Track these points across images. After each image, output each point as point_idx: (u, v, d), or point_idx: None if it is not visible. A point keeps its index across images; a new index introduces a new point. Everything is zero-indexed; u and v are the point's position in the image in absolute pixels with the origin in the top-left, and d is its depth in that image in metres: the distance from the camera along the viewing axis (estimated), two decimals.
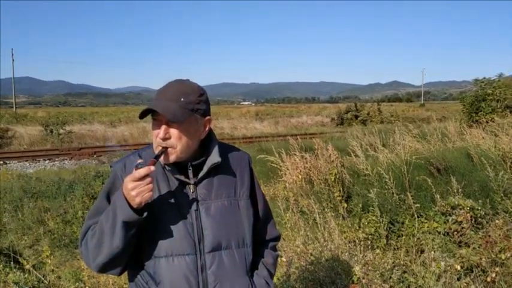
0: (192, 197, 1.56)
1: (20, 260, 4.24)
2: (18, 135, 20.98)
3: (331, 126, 28.34)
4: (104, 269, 1.51)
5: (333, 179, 5.37)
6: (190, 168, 1.56)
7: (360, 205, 5.15)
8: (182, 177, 1.56)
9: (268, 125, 30.50)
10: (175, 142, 1.50)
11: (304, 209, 4.59)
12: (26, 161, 14.32)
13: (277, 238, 1.84)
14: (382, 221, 4.82)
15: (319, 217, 4.17)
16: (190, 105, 1.51)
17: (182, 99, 1.49)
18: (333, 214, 5.27)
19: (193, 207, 1.55)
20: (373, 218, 4.90)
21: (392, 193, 5.28)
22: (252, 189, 1.72)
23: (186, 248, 1.52)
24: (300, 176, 5.98)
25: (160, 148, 1.50)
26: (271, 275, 1.75)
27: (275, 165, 6.32)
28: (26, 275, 3.69)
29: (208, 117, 1.60)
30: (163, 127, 1.49)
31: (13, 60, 48.78)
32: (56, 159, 15.15)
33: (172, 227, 1.52)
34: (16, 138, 20.62)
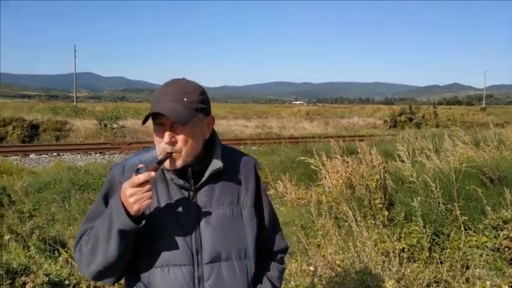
0: (192, 204, 1.46)
1: (60, 250, 4.35)
2: (75, 129, 21.95)
3: (383, 129, 27.54)
4: (98, 277, 1.44)
5: (374, 185, 5.13)
6: (191, 173, 1.47)
7: (403, 214, 4.88)
8: (182, 183, 1.47)
9: (317, 126, 30.14)
10: (182, 146, 1.41)
11: (341, 215, 4.39)
12: (78, 153, 14.90)
13: (284, 250, 1.70)
14: (426, 231, 4.54)
15: (356, 225, 3.97)
16: (193, 104, 1.41)
17: (185, 99, 1.40)
18: (373, 222, 5.04)
19: (192, 215, 1.45)
20: (416, 228, 4.63)
21: (439, 203, 4.97)
22: (257, 197, 1.59)
23: (183, 258, 1.42)
24: (341, 181, 5.76)
25: (164, 153, 1.41)
26: None
27: (315, 168, 6.14)
28: (58, 267, 3.75)
29: (211, 116, 1.51)
30: (169, 131, 1.40)
31: (75, 56, 51.25)
32: (107, 152, 15.69)
33: (168, 235, 1.43)
34: (73, 131, 21.60)
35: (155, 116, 1.39)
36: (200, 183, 1.48)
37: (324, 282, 3.08)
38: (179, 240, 1.43)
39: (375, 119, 35.67)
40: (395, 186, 5.50)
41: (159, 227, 1.43)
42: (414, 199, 4.60)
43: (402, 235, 4.65)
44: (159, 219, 1.44)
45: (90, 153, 15.21)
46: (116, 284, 3.36)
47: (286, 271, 3.29)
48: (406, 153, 5.85)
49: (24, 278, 3.36)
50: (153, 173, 1.31)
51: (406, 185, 5.52)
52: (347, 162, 5.95)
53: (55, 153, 14.60)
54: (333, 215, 3.87)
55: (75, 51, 51.36)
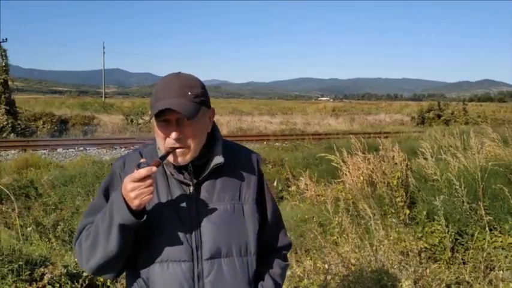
0: (192, 199, 1.45)
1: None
2: (103, 124, 22.39)
3: (410, 126, 27.00)
4: (98, 272, 1.43)
5: (395, 183, 5.01)
6: (191, 168, 1.45)
7: (424, 212, 4.75)
8: (182, 178, 1.45)
9: (343, 122, 29.80)
10: (190, 140, 1.40)
11: (360, 213, 4.31)
12: (104, 148, 15.17)
13: (287, 247, 1.68)
14: (448, 231, 4.41)
15: (374, 223, 3.89)
16: (197, 98, 1.40)
17: (189, 93, 1.38)
18: (393, 220, 4.94)
19: (193, 210, 1.44)
20: (438, 227, 4.51)
21: (463, 201, 4.82)
22: (259, 193, 1.56)
23: (183, 254, 1.41)
24: (362, 178, 5.66)
25: (168, 149, 1.39)
26: (278, 286, 1.59)
27: (337, 165, 6.06)
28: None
29: (212, 108, 1.50)
30: (175, 127, 1.38)
31: (104, 53, 52.22)
32: (131, 147, 15.88)
33: (168, 231, 1.41)
34: (100, 126, 22.03)
35: (160, 112, 1.36)
36: (201, 178, 1.46)
37: (338, 281, 3.03)
38: (179, 235, 1.42)
39: (403, 116, 35.03)
40: (418, 184, 5.36)
41: (159, 223, 1.42)
42: (437, 198, 4.48)
43: (423, 234, 4.54)
44: (159, 214, 1.43)
45: (116, 148, 15.45)
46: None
47: (301, 268, 3.26)
48: (430, 150, 5.71)
49: (42, 269, 3.43)
50: (154, 168, 1.29)
51: (429, 183, 5.37)
52: (368, 159, 5.84)
53: (81, 148, 14.90)
54: (351, 213, 3.79)
55: (104, 47, 52.34)
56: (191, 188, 1.45)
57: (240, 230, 1.48)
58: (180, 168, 1.46)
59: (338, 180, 5.84)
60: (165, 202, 1.44)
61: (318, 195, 5.51)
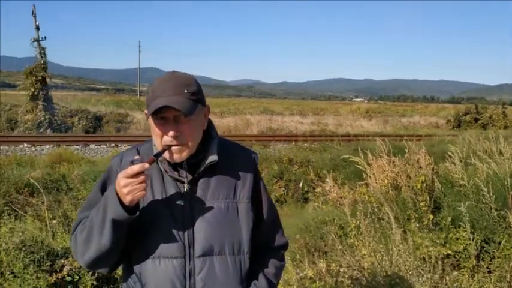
0: (186, 197, 1.46)
1: None
2: (136, 121, 22.84)
3: (445, 129, 26.27)
4: (92, 266, 1.47)
5: (419, 187, 4.88)
6: (186, 166, 1.46)
7: (449, 218, 4.62)
8: (177, 176, 1.47)
9: (375, 124, 29.31)
10: (188, 138, 1.41)
11: (381, 216, 4.23)
12: (135, 145, 15.45)
13: (283, 246, 1.67)
14: (474, 238, 4.27)
15: (395, 227, 3.81)
16: (194, 96, 1.42)
17: (186, 91, 1.41)
18: (417, 225, 4.82)
19: (186, 208, 1.45)
20: (463, 234, 4.37)
21: (491, 208, 4.65)
22: (255, 192, 1.57)
23: (175, 250, 1.43)
24: (386, 181, 5.55)
25: (164, 146, 1.42)
26: (272, 286, 1.59)
27: (360, 168, 5.96)
28: None
29: (207, 106, 1.51)
30: (173, 124, 1.40)
31: (140, 51, 53.36)
32: None
33: (161, 227, 1.43)
34: (134, 124, 22.49)
35: (157, 110, 1.38)
36: (195, 175, 1.47)
37: (352, 284, 2.98)
38: (172, 232, 1.43)
39: (438, 119, 34.13)
40: (444, 189, 5.21)
41: (152, 219, 1.44)
42: (462, 203, 4.34)
43: (447, 240, 4.41)
44: (153, 211, 1.45)
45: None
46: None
47: (314, 270, 3.22)
48: (459, 154, 5.53)
49: (63, 261, 3.53)
50: (147, 165, 1.31)
51: (456, 188, 5.21)
52: (394, 161, 5.71)
53: (113, 144, 15.24)
54: (369, 216, 3.72)
55: (139, 46, 53.50)
56: (186, 186, 1.47)
57: (234, 229, 1.48)
58: (175, 166, 1.48)
59: (361, 182, 5.74)
60: (159, 199, 1.46)
61: (341, 198, 5.44)
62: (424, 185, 4.93)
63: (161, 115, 1.40)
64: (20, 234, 3.63)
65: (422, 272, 2.87)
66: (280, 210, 8.20)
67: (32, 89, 19.17)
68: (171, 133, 1.39)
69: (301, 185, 9.28)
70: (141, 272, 1.45)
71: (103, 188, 1.52)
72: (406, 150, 5.58)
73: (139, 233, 1.44)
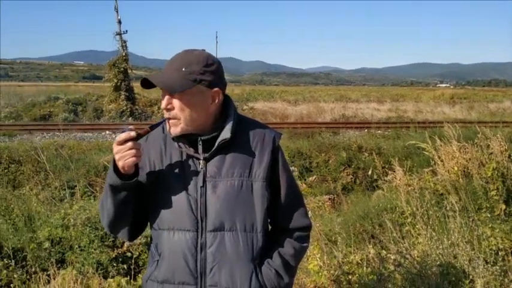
0: (200, 173, 1.50)
1: None
2: None
3: None
4: (110, 230, 1.58)
5: (489, 174, 4.54)
6: (201, 143, 1.50)
7: None
8: (192, 152, 1.51)
9: (459, 110, 27.48)
10: (178, 113, 1.46)
11: (447, 205, 3.99)
12: None
13: (304, 228, 1.63)
14: None
15: (459, 216, 3.58)
16: (192, 75, 1.44)
17: (184, 69, 1.44)
18: (488, 215, 4.50)
19: (200, 183, 1.50)
20: None
21: None
22: (273, 172, 1.56)
23: (188, 223, 1.48)
24: (456, 168, 5.21)
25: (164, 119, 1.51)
26: (289, 267, 1.57)
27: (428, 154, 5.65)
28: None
29: (216, 89, 1.50)
30: (166, 97, 1.47)
31: (217, 42, 54.55)
32: None
33: (175, 200, 1.50)
34: None
35: (143, 83, 1.48)
36: (210, 153, 1.51)
37: (402, 272, 2.86)
38: (185, 206, 1.49)
39: None
40: None
41: (168, 192, 1.50)
42: None
43: None
44: (168, 185, 1.51)
45: None
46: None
47: (362, 256, 3.14)
48: None
49: None
50: (132, 133, 1.39)
51: None
52: (466, 148, 5.35)
53: None
54: (427, 203, 3.53)
55: (216, 37, 54.66)
56: (201, 162, 1.51)
57: (247, 207, 1.50)
58: (191, 143, 1.52)
59: (427, 170, 5.46)
60: (175, 174, 1.51)
61: (406, 185, 5.20)
62: (497, 172, 4.57)
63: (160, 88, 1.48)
64: (88, 212, 3.92)
65: (480, 263, 2.68)
66: (346, 197, 8.05)
67: (115, 80, 20.42)
68: (163, 105, 1.48)
69: (370, 172, 9.03)
70: (158, 242, 1.54)
71: None
72: (478, 136, 5.19)
73: (156, 205, 1.52)
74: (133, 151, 1.38)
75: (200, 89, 1.46)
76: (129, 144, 1.38)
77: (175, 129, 1.48)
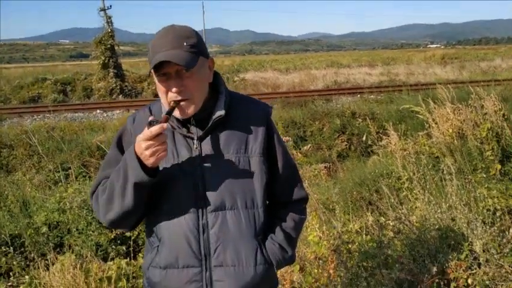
0: (196, 153, 1.46)
1: None
2: None
3: None
4: (115, 225, 1.53)
5: (484, 135, 4.53)
6: (194, 122, 1.45)
7: None
8: (186, 132, 1.46)
9: (450, 70, 27.37)
10: (192, 92, 1.40)
11: (443, 167, 3.98)
12: None
13: (302, 200, 1.63)
14: None
15: (455, 178, 3.57)
16: (194, 48, 1.39)
17: (185, 44, 1.37)
18: (484, 176, 4.51)
19: (197, 163, 1.45)
20: None
21: None
22: (269, 146, 1.53)
23: (187, 205, 1.45)
24: (451, 130, 5.20)
25: (172, 103, 1.40)
26: (291, 240, 1.57)
27: (422, 117, 5.63)
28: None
29: (211, 58, 1.47)
30: (175, 79, 1.38)
31: (203, 12, 53.49)
32: None
33: (173, 183, 1.45)
34: None
35: (158, 66, 1.36)
36: (204, 131, 1.46)
37: (402, 238, 2.88)
38: (183, 188, 1.45)
39: None
40: None
41: (164, 176, 1.44)
42: None
43: None
44: (164, 168, 1.45)
45: None
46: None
47: (360, 224, 3.15)
48: None
49: None
50: (165, 125, 1.31)
51: None
52: (459, 109, 5.32)
53: None
54: (424, 167, 3.52)
55: (203, 7, 53.59)
56: (195, 142, 1.46)
57: (246, 183, 1.47)
58: (183, 123, 1.47)
59: (422, 133, 5.44)
60: (169, 156, 1.46)
61: (401, 150, 5.20)
62: (491, 132, 4.57)
63: (163, 71, 1.39)
64: (83, 194, 3.89)
65: (478, 225, 2.69)
66: (342, 164, 8.07)
67: (103, 58, 20.06)
68: (174, 89, 1.38)
69: (364, 138, 9.03)
70: (157, 228, 1.50)
71: (119, 145, 1.55)
72: (472, 96, 5.16)
73: (153, 189, 1.46)
74: (165, 145, 1.32)
75: (203, 60, 1.43)
76: (161, 137, 1.30)
77: (188, 110, 1.41)
